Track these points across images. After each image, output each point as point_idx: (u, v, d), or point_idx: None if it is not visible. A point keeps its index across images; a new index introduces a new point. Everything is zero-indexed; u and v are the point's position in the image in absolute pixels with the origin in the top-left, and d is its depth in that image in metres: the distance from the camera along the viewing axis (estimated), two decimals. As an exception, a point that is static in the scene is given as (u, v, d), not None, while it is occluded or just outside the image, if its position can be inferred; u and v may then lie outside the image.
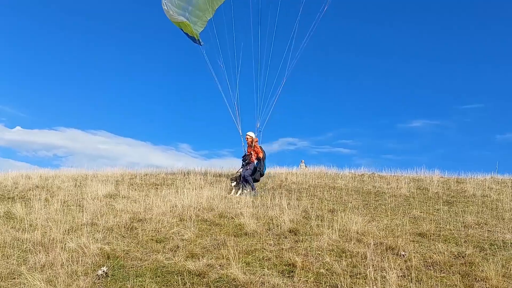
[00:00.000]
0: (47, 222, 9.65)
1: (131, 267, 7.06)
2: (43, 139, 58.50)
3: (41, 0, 64.95)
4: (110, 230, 9.27)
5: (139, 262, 7.30)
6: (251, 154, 14.97)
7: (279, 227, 9.20)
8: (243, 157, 15.33)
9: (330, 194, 14.20)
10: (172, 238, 8.64)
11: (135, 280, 6.47)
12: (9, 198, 13.58)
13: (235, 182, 14.72)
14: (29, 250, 7.91)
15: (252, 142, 15.08)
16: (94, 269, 6.90)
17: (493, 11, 63.78)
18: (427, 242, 8.34)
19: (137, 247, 8.16)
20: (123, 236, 8.95)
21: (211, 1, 15.09)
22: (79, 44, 65.64)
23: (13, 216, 10.70)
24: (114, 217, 10.25)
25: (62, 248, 7.81)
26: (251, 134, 15.37)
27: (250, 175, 14.60)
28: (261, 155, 14.92)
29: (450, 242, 8.31)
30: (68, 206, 12.01)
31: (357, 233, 8.67)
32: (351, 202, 12.73)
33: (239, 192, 14.21)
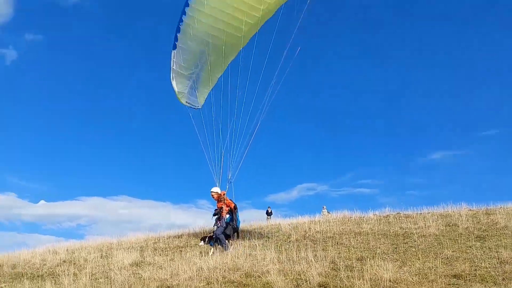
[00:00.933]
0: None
1: None
2: (66, 210, 59.52)
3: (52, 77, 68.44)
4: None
5: (170, 333, 7.20)
6: (222, 208, 14.19)
7: (308, 282, 9.01)
8: (214, 213, 14.57)
9: (357, 240, 13.90)
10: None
11: None
12: (38, 276, 13.67)
13: (202, 242, 14.25)
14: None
15: (219, 197, 14.34)
16: None
17: (503, 35, 64.50)
18: (463, 283, 8.04)
19: (167, 317, 8.06)
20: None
21: (215, 70, 15.50)
22: (88, 113, 68.11)
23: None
24: (142, 287, 10.21)
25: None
26: (215, 189, 14.47)
27: (222, 232, 13.86)
28: (232, 205, 14.15)
29: (487, 282, 7.99)
30: (96, 279, 12.02)
31: (390, 281, 8.43)
32: (379, 247, 12.43)
33: (212, 250, 13.64)
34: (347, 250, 12.40)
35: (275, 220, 23.30)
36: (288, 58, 14.24)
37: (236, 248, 13.56)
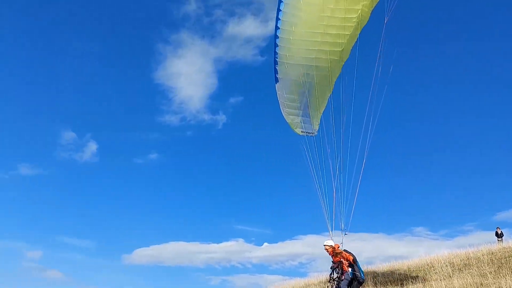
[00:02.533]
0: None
1: None
2: (286, 250, 64.24)
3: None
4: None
5: None
6: (341, 262, 12.63)
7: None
8: (332, 266, 12.94)
9: None
10: None
11: None
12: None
13: None
14: None
15: (333, 252, 12.79)
16: None
17: None
18: None
19: None
20: None
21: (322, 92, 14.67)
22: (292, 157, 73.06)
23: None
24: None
25: None
26: (329, 243, 12.97)
27: (347, 285, 12.30)
28: (351, 258, 12.48)
29: None
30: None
31: None
32: None
33: None
34: None
35: (507, 243, 20.22)
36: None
37: None
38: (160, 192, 74.34)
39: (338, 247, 12.83)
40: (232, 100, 77.58)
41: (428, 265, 17.10)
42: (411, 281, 14.67)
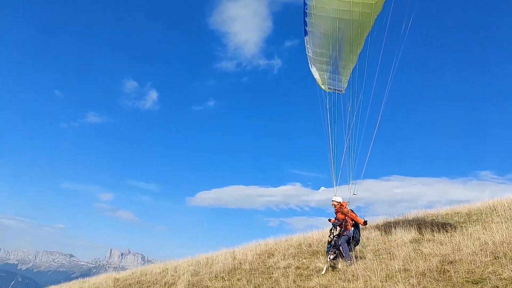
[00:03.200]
0: (365, 272, 10.90)
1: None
2: (344, 194, 65.04)
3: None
4: (422, 275, 9.61)
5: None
6: (345, 221, 12.99)
7: None
8: (333, 224, 13.33)
9: None
10: (489, 278, 8.20)
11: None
12: (321, 255, 15.84)
13: (333, 255, 12.72)
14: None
15: (340, 208, 13.15)
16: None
17: None
18: None
19: (452, 290, 8.17)
20: (436, 279, 9.12)
21: (353, 47, 14.06)
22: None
23: (336, 270, 12.55)
24: (423, 262, 10.56)
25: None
26: (337, 199, 13.44)
27: (346, 241, 12.80)
28: (361, 221, 12.84)
29: None
30: (379, 254, 13.09)
31: None
32: None
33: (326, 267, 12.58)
34: None
35: None
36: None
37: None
38: (218, 138, 77.03)
39: (346, 205, 13.38)
40: (287, 43, 76.45)
41: (490, 208, 16.72)
42: (471, 224, 14.53)
